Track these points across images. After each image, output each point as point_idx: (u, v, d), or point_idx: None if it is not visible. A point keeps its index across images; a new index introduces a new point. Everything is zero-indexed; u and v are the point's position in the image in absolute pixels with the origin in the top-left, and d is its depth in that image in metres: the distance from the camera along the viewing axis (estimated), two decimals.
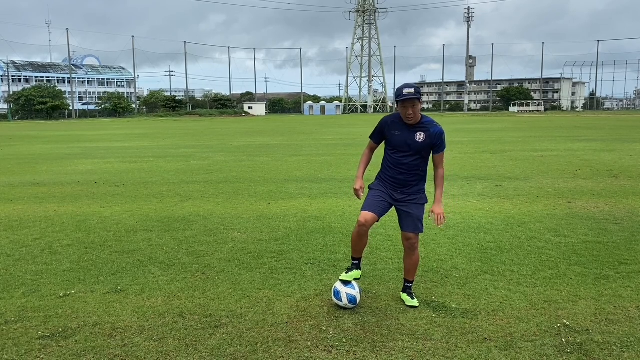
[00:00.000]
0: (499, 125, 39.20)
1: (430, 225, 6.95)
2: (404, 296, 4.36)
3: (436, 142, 4.11)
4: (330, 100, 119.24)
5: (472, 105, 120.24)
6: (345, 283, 4.22)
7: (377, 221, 4.23)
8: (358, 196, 4.31)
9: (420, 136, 4.08)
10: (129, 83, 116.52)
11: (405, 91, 3.96)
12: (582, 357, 3.40)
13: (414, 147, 4.09)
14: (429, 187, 4.33)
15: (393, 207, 4.29)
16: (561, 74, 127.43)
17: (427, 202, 4.32)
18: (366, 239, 4.26)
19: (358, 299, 4.20)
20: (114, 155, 18.38)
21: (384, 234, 6.49)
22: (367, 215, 4.11)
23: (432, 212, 4.24)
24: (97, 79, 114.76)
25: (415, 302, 4.27)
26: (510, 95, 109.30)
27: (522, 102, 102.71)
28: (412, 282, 4.40)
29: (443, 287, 4.69)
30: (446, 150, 4.38)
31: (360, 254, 4.35)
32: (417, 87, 4.04)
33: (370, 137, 4.36)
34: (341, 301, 4.18)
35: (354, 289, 4.20)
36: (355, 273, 4.32)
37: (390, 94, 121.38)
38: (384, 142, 4.31)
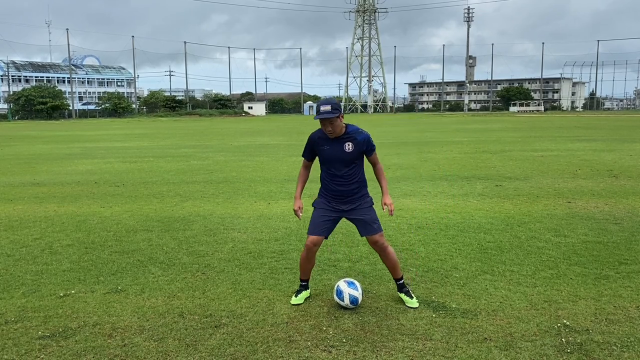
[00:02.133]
0: (499, 125, 39.20)
1: (430, 225, 6.96)
2: (402, 296, 4.37)
3: (365, 148, 4.21)
4: None
5: (472, 105, 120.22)
6: (349, 283, 4.22)
7: (326, 237, 4.36)
8: (298, 216, 4.45)
9: (348, 146, 4.15)
10: (129, 83, 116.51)
11: (322, 109, 4.03)
12: (582, 357, 3.40)
13: (345, 157, 4.17)
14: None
15: (342, 218, 4.37)
16: (561, 74, 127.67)
17: (373, 204, 4.37)
18: (314, 260, 4.44)
19: (360, 300, 4.20)
20: (114, 155, 18.38)
21: (384, 234, 6.48)
22: (314, 239, 4.28)
23: (384, 204, 4.34)
24: (97, 79, 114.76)
25: (414, 303, 4.26)
26: (510, 95, 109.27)
27: (522, 102, 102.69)
28: (402, 279, 4.40)
29: (443, 287, 4.69)
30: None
31: (308, 275, 4.49)
32: (335, 103, 4.09)
33: (302, 155, 4.45)
34: (343, 301, 4.18)
35: (357, 290, 4.19)
36: (305, 293, 4.45)
37: (390, 93, 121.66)
38: (317, 158, 4.38)
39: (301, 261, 4.40)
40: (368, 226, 4.24)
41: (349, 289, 4.18)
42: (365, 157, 4.29)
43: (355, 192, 4.26)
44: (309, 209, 4.56)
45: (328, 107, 4.01)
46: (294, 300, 4.36)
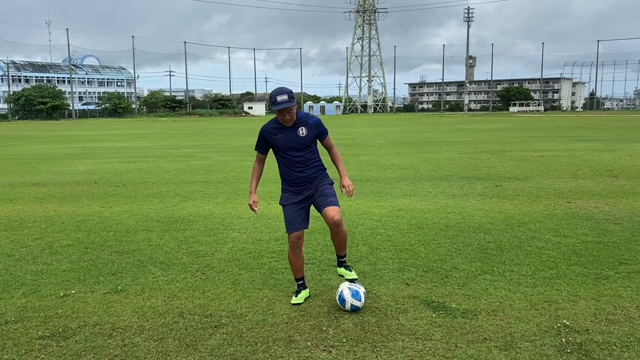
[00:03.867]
0: (499, 125, 39.19)
1: (430, 225, 6.96)
2: (342, 270, 4.48)
3: (318, 130, 4.30)
4: (330, 100, 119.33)
5: (472, 105, 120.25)
6: (354, 293, 4.15)
7: (307, 227, 4.43)
8: (254, 211, 4.48)
9: (302, 131, 4.25)
10: (129, 83, 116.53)
11: (279, 99, 4.06)
12: (582, 357, 3.40)
13: (301, 142, 4.25)
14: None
15: (311, 205, 4.42)
16: (561, 74, 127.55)
17: (333, 183, 4.47)
18: (302, 255, 4.46)
19: (360, 308, 4.18)
20: (114, 155, 18.38)
21: (384, 234, 6.49)
22: (296, 234, 4.34)
23: (343, 186, 4.41)
24: (97, 79, 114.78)
25: (354, 275, 4.44)
26: (510, 95, 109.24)
27: (522, 102, 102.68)
28: (344, 257, 4.51)
29: (443, 287, 4.69)
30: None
31: (302, 272, 4.49)
32: (290, 91, 4.15)
33: (255, 149, 4.48)
34: (344, 307, 4.15)
35: (360, 300, 4.13)
36: (305, 293, 4.45)
37: (390, 94, 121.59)
38: (272, 152, 4.42)
39: (290, 260, 4.45)
40: (326, 198, 4.28)
41: (352, 299, 4.12)
42: (320, 143, 4.38)
43: (315, 175, 4.36)
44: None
45: (285, 97, 4.06)
46: (294, 300, 4.36)
